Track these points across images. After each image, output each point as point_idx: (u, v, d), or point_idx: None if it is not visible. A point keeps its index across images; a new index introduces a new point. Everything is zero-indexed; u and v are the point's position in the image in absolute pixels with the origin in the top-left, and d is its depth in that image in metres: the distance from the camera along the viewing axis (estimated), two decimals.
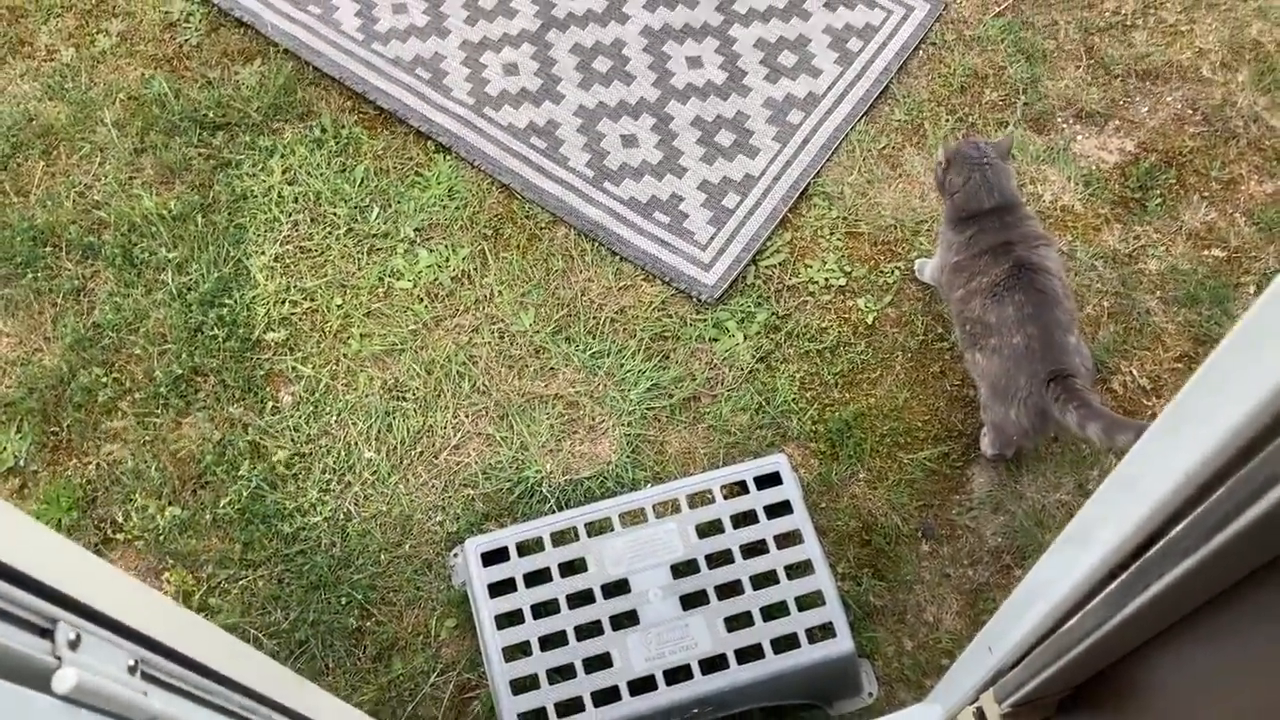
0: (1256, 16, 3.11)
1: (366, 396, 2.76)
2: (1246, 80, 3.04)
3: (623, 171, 3.02)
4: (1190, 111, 3.03)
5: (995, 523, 2.61)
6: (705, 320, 2.84)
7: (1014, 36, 3.13)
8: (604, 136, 3.06)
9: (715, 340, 2.82)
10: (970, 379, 2.63)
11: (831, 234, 2.93)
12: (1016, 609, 1.59)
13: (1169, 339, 2.77)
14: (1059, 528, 2.58)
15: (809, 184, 2.99)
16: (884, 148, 3.02)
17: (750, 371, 2.78)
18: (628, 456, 2.68)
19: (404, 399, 2.76)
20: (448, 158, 3.04)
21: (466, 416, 2.74)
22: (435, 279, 2.90)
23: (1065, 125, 3.03)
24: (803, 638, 2.21)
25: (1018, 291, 2.36)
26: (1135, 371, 2.74)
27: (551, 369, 2.80)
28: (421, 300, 2.87)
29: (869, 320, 2.82)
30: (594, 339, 2.82)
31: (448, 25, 3.20)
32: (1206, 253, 2.86)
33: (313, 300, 2.87)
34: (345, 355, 2.81)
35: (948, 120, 3.04)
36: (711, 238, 2.93)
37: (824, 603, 2.26)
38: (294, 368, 2.79)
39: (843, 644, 2.21)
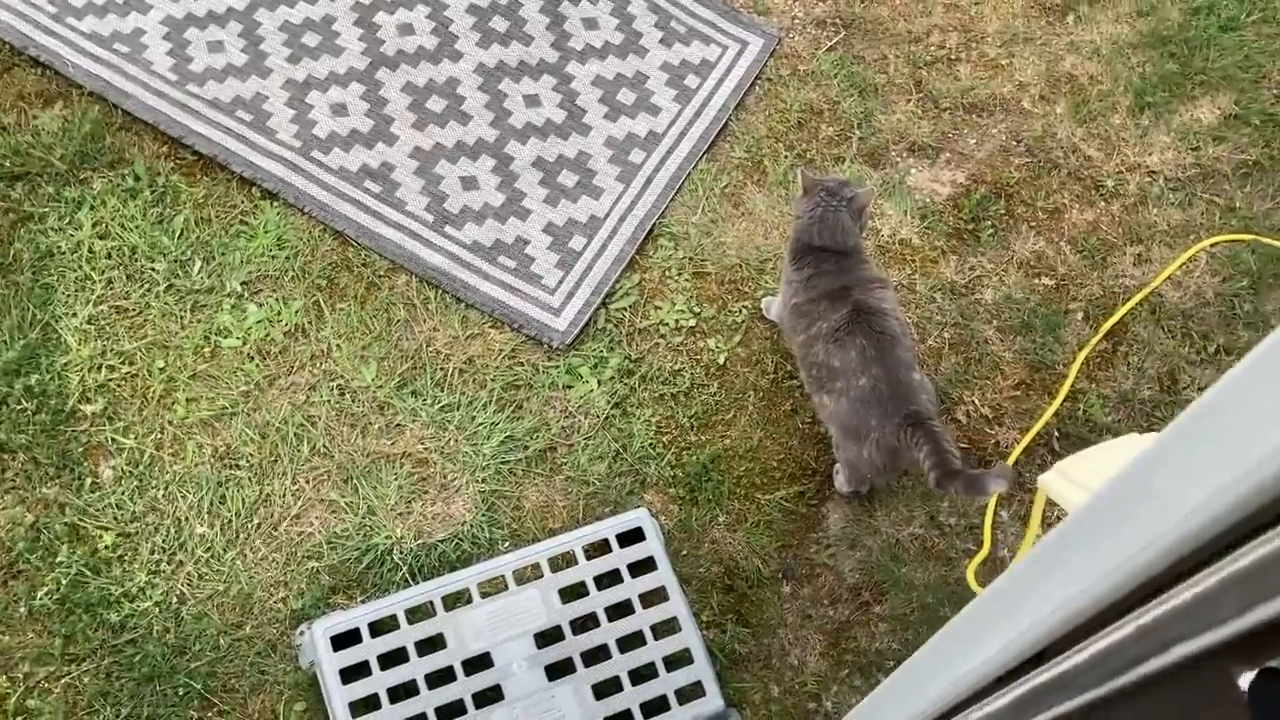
0: (1069, 51, 3.26)
1: (196, 466, 2.58)
2: (1064, 112, 3.17)
3: (464, 215, 2.92)
4: (1015, 143, 3.14)
5: (853, 559, 2.63)
6: (558, 367, 2.77)
7: (846, 71, 3.18)
8: (442, 179, 2.95)
9: (569, 387, 2.75)
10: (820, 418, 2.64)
11: (679, 274, 2.91)
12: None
13: (1007, 367, 2.85)
14: (914, 561, 2.64)
15: (654, 224, 2.96)
16: (726, 186, 3.02)
17: (606, 418, 2.72)
18: (483, 515, 2.59)
19: (238, 467, 2.59)
20: (275, 205, 2.88)
21: (307, 482, 2.59)
22: (266, 335, 2.73)
23: (899, 158, 3.10)
24: (673, 699, 2.17)
25: (858, 335, 2.38)
26: (977, 400, 2.81)
27: (398, 425, 2.67)
28: (252, 359, 2.70)
29: (720, 361, 2.81)
30: (442, 391, 2.71)
31: (269, 64, 3.03)
32: (1037, 281, 2.96)
33: (132, 364, 2.66)
34: (171, 422, 2.61)
35: (786, 156, 3.06)
36: (560, 281, 2.87)
37: (692, 660, 2.22)
38: (114, 439, 2.58)
39: (713, 702, 2.18)
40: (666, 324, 2.84)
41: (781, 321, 2.69)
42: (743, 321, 2.85)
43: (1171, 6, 3.30)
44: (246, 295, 2.77)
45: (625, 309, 2.85)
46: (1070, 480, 1.99)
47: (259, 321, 2.74)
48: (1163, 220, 3.04)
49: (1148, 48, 3.25)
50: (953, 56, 3.24)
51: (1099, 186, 3.08)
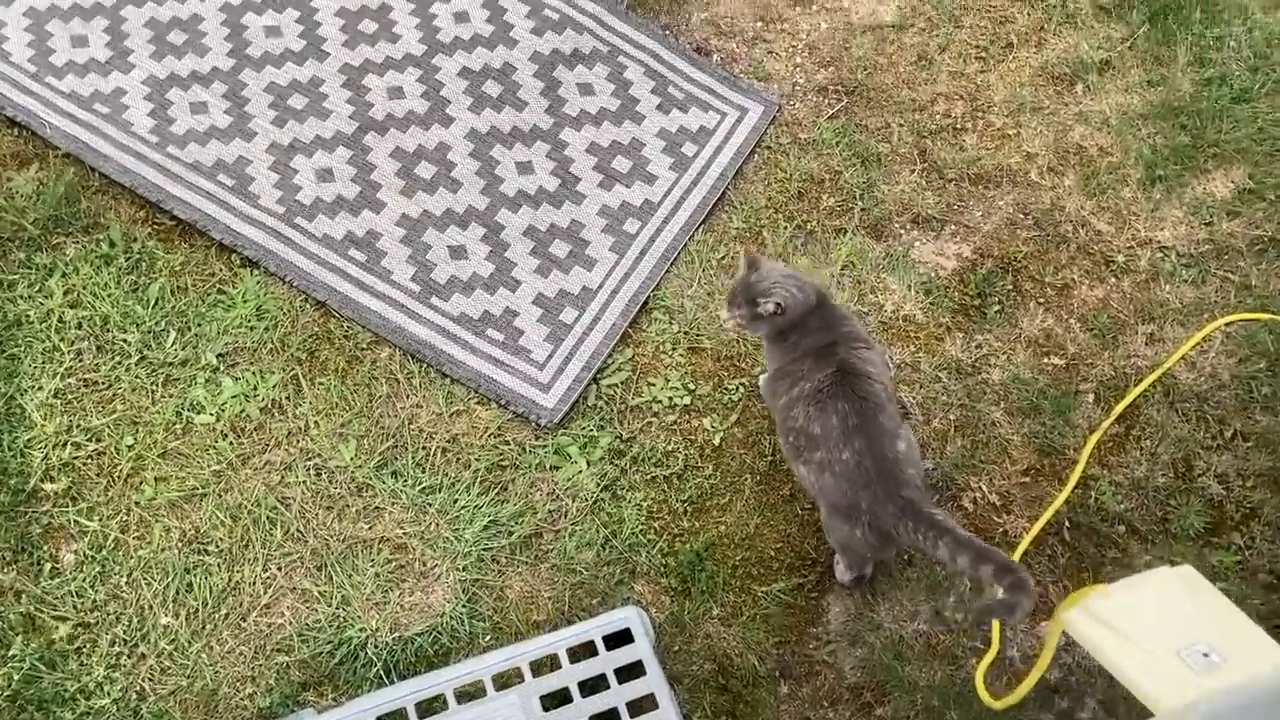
0: (1078, 121, 3.16)
1: (163, 551, 2.45)
2: (1073, 184, 3.08)
3: (451, 285, 2.81)
4: (1022, 215, 3.04)
5: (854, 656, 2.50)
6: (545, 446, 2.65)
7: (848, 140, 3.09)
8: (430, 248, 2.85)
9: (557, 468, 2.63)
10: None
11: (674, 350, 2.79)
12: None
13: (1015, 451, 2.73)
14: (918, 659, 2.49)
15: (649, 297, 2.85)
16: (723, 258, 2.91)
17: (595, 501, 2.60)
18: (464, 606, 2.45)
19: (206, 552, 2.46)
20: (255, 273, 2.77)
21: (279, 569, 2.46)
22: (241, 411, 2.61)
23: (903, 231, 3.00)
24: None
25: (840, 399, 2.26)
26: (985, 487, 2.69)
27: (376, 509, 2.55)
28: (226, 436, 2.58)
29: (716, 441, 2.69)
30: (424, 472, 2.59)
31: (253, 126, 2.94)
32: (1046, 360, 2.85)
33: (99, 441, 2.54)
34: (138, 504, 2.49)
35: (786, 227, 2.96)
36: (549, 356, 2.75)
37: None
38: (77, 521, 2.45)
39: None
40: (660, 402, 2.72)
41: (766, 388, 2.56)
42: (739, 400, 2.73)
43: (1182, 77, 3.21)
44: (222, 368, 2.66)
45: (617, 385, 2.74)
46: (1098, 621, 1.85)
47: (234, 396, 2.63)
48: (1175, 298, 2.93)
49: (1158, 119, 3.16)
50: (958, 126, 3.15)
51: (1109, 262, 2.98)
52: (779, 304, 2.31)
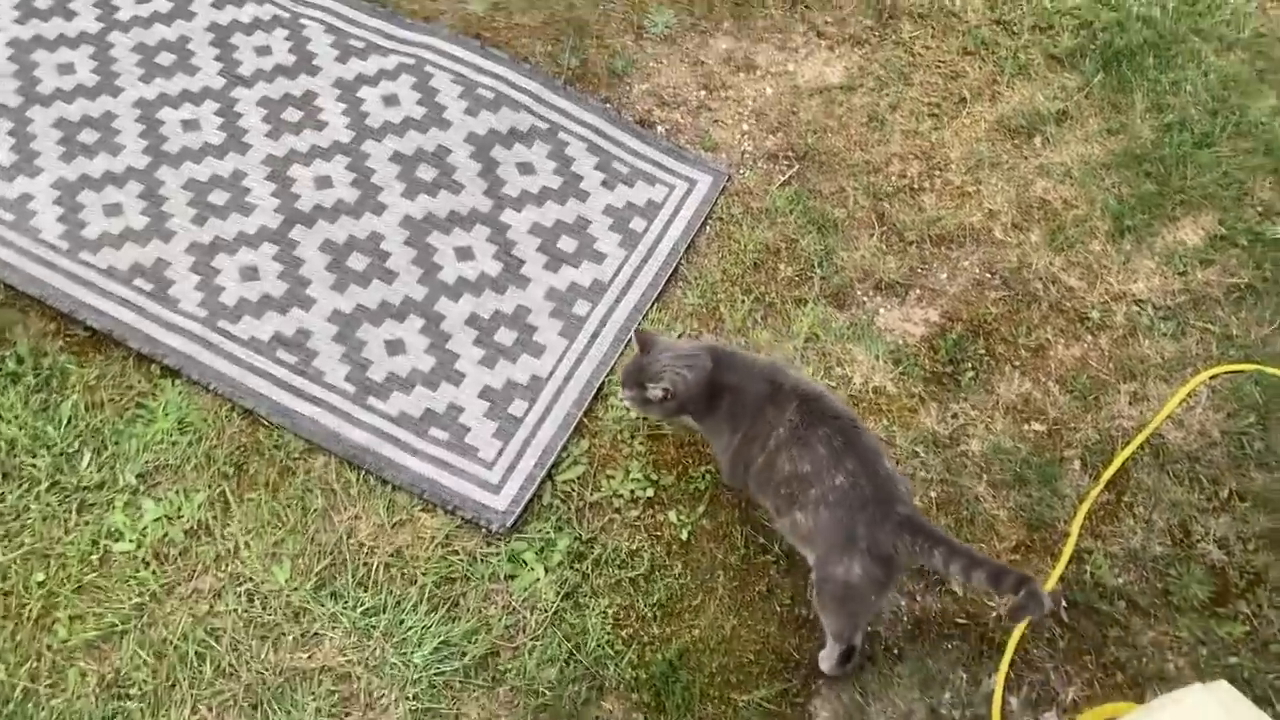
0: (1039, 174, 3.05)
1: (79, 699, 2.21)
2: (1039, 240, 2.95)
3: (390, 383, 2.62)
4: (989, 275, 2.90)
5: None
6: (499, 554, 2.44)
7: (803, 206, 2.95)
8: (365, 344, 2.66)
9: (512, 577, 2.42)
10: (797, 555, 2.33)
11: (633, 438, 2.61)
12: None
13: (1003, 527, 2.56)
14: None
15: (603, 382, 2.67)
16: (680, 335, 2.75)
17: (556, 612, 2.39)
18: None
19: (128, 696, 2.22)
20: (177, 383, 2.57)
21: (209, 709, 2.23)
22: (165, 535, 2.39)
23: (866, 298, 2.85)
24: None
25: (818, 425, 2.18)
26: None
27: (315, 635, 2.32)
28: (148, 564, 2.36)
29: (683, 536, 2.49)
30: (366, 591, 2.37)
31: (172, 226, 2.76)
32: (1027, 427, 2.69)
33: (5, 580, 2.31)
34: (50, 647, 2.25)
35: (744, 300, 2.80)
36: (499, 453, 2.56)
37: None
38: None
39: None
40: (621, 496, 2.53)
41: (729, 472, 2.39)
42: (706, 489, 2.55)
43: (1142, 124, 3.12)
44: (143, 489, 2.44)
45: (573, 481, 2.54)
46: None
47: (156, 520, 2.41)
48: (1155, 353, 2.79)
49: (1121, 168, 3.05)
50: (915, 186, 3.03)
51: (1084, 319, 2.84)
52: (666, 390, 2.24)
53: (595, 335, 2.73)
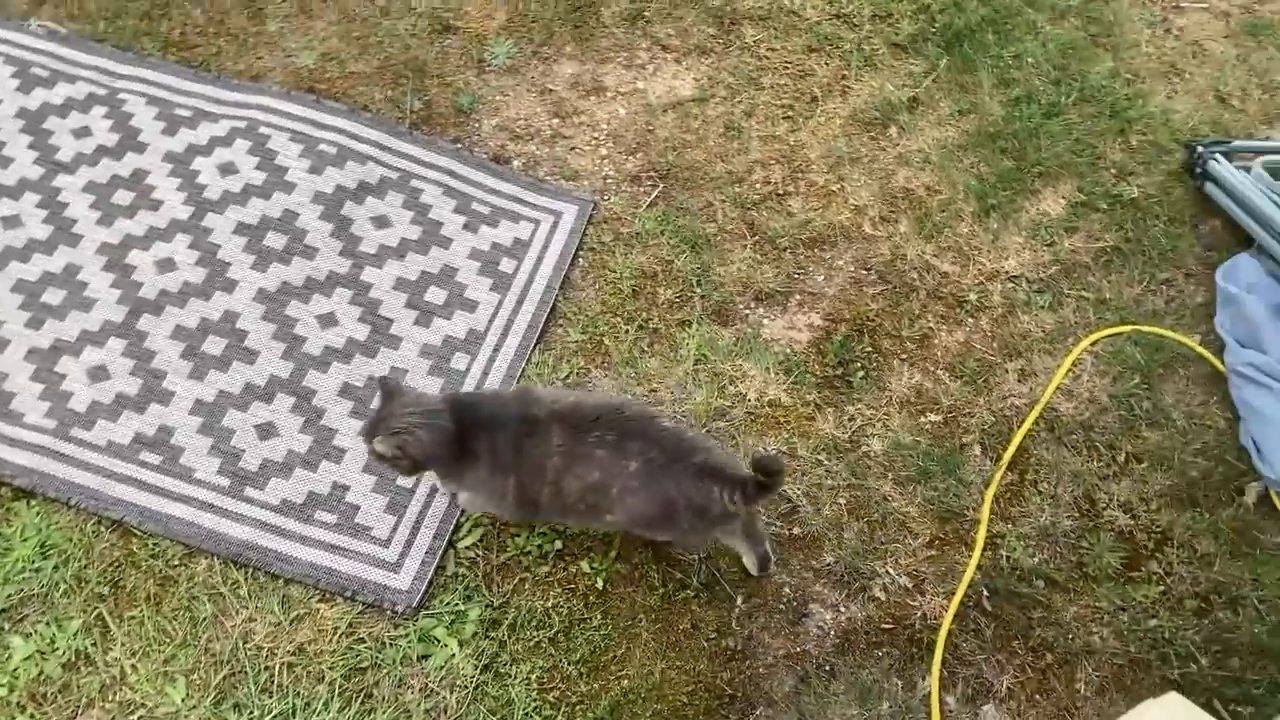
0: (899, 164, 3.05)
1: None
2: (908, 230, 2.95)
3: (266, 470, 2.46)
4: (865, 272, 2.89)
5: None
6: (408, 635, 2.32)
7: (673, 226, 2.89)
8: (234, 432, 2.50)
9: (425, 657, 2.30)
10: (716, 586, 2.26)
11: None
12: None
13: (915, 524, 2.54)
14: None
15: None
16: (568, 376, 2.65)
17: (477, 687, 2.27)
18: None
19: None
20: (33, 504, 2.37)
21: None
22: (39, 673, 2.20)
23: (748, 310, 2.80)
24: None
25: (586, 434, 2.11)
26: (892, 570, 2.48)
27: None
28: (24, 709, 2.17)
29: (599, 585, 2.40)
30: (272, 697, 2.22)
31: (5, 334, 2.55)
32: (923, 419, 2.68)
33: None
34: None
35: (627, 330, 2.72)
36: (393, 529, 2.43)
37: None
38: None
39: None
40: (528, 553, 2.43)
41: (514, 513, 2.29)
42: (616, 532, 2.46)
43: (991, 101, 3.15)
44: (8, 627, 2.24)
45: (476, 545, 2.43)
46: None
47: (28, 658, 2.21)
48: (1036, 327, 2.81)
49: (978, 147, 3.07)
50: (780, 191, 3.00)
51: (962, 303, 2.85)
52: (398, 451, 2.09)
53: (479, 387, 2.62)
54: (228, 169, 2.82)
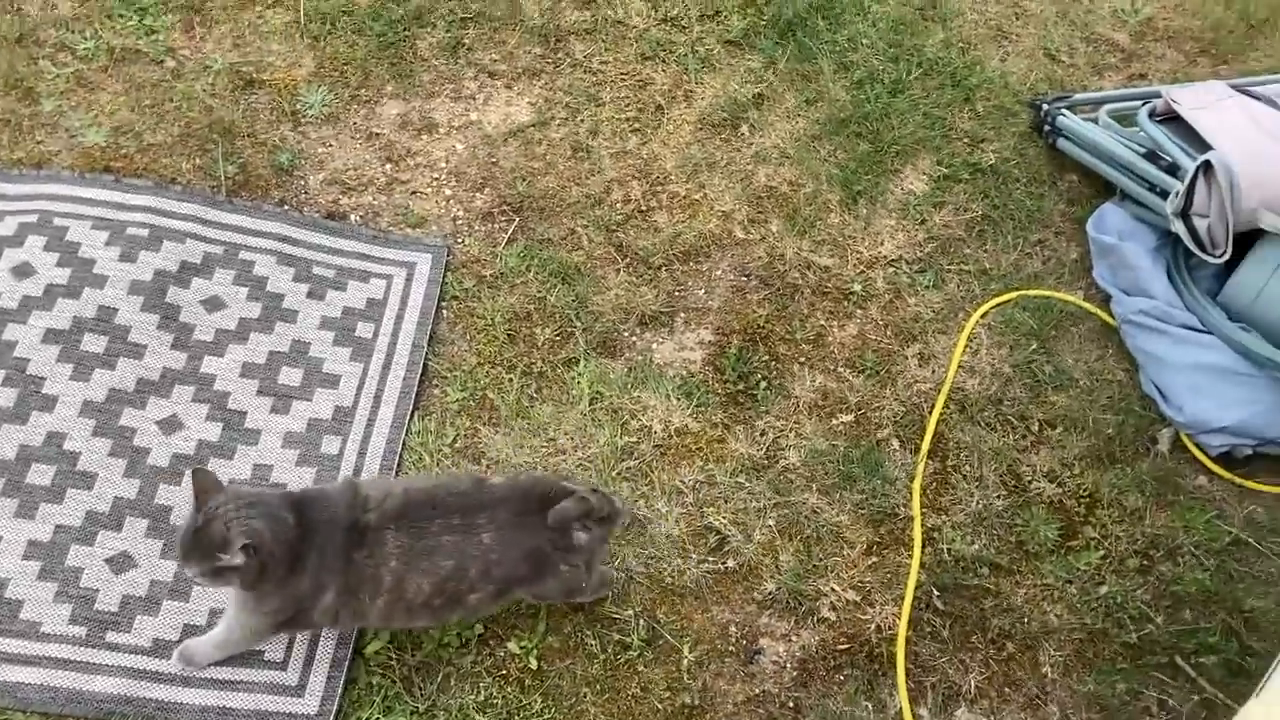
0: (757, 163, 2.93)
1: None
2: (780, 228, 2.83)
3: (128, 608, 2.12)
4: (745, 279, 2.75)
5: None
6: None
7: (538, 260, 2.69)
8: (81, 571, 2.15)
9: None
10: (658, 640, 2.06)
11: None
12: None
13: (849, 533, 2.40)
14: None
15: None
16: (455, 440, 2.41)
17: None
18: None
19: None
20: None
21: None
22: None
23: (635, 338, 2.62)
24: None
25: (428, 525, 1.91)
26: (837, 587, 2.33)
27: None
28: None
29: (533, 665, 2.17)
30: None
31: None
32: (835, 421, 2.55)
33: None
34: None
35: (511, 379, 2.50)
36: (288, 647, 2.13)
37: None
38: None
39: None
40: (447, 645, 2.17)
41: (333, 625, 2.04)
42: (541, 605, 2.23)
43: (835, 87, 3.07)
44: None
45: (387, 648, 2.15)
46: None
47: None
48: (925, 308, 2.74)
49: (831, 135, 2.99)
50: (643, 208, 2.83)
51: (848, 295, 2.74)
52: (250, 546, 1.78)
53: (356, 469, 2.35)
54: (23, 271, 2.45)
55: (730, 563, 2.33)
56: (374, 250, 2.65)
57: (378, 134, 2.86)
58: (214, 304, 2.50)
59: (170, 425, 2.33)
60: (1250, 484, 2.53)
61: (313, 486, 2.19)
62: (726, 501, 2.40)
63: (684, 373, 2.57)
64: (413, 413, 2.43)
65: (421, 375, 2.48)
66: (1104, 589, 2.37)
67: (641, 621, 2.23)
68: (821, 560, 2.36)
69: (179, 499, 2.24)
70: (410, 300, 2.59)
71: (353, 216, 2.72)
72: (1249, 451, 2.51)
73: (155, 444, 2.30)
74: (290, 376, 2.44)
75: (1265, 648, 2.29)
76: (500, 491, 1.99)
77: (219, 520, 1.80)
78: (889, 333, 2.69)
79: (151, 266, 2.50)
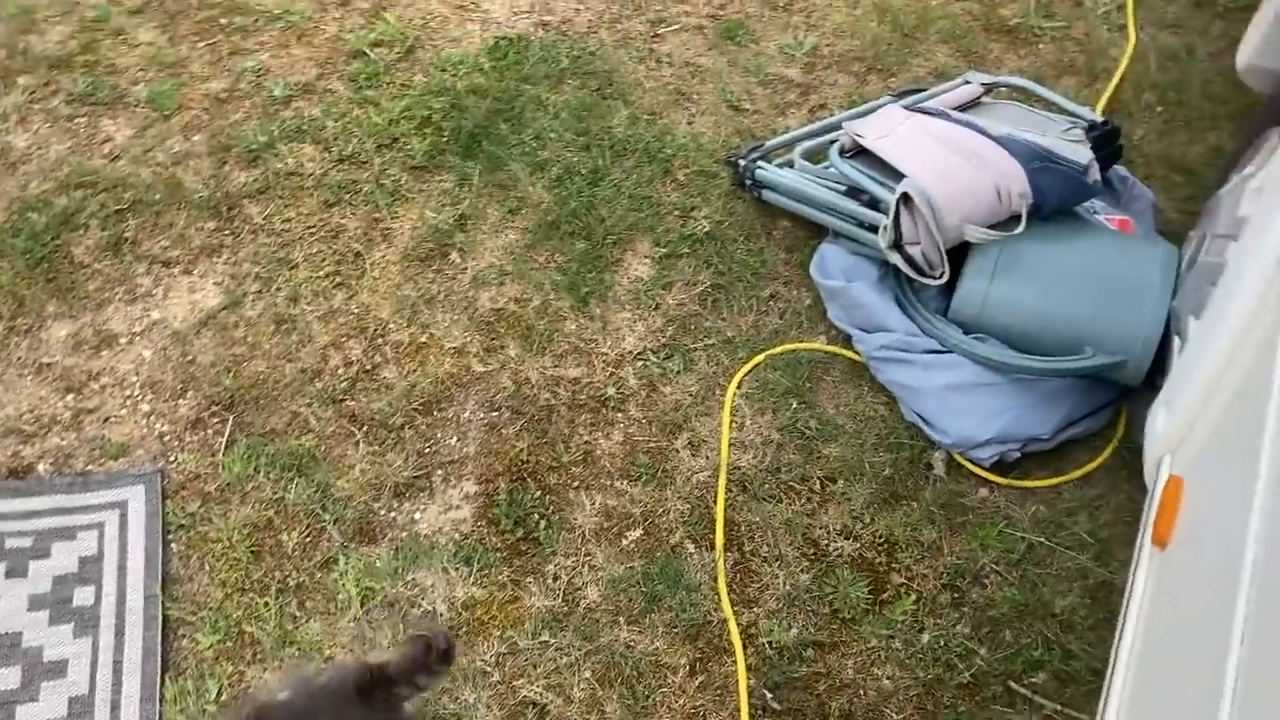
0: (477, 287, 2.79)
1: None
2: (518, 352, 2.69)
3: None
4: (495, 413, 2.59)
5: None
6: None
7: (265, 458, 2.44)
8: None
9: None
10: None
11: None
12: None
13: (668, 658, 2.28)
14: None
15: None
16: (219, 693, 2.14)
17: None
18: None
19: None
20: None
21: None
22: None
23: (393, 513, 2.42)
24: None
25: None
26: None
27: None
28: None
29: None
30: None
31: None
32: (624, 540, 2.43)
33: None
34: None
35: (267, 603, 2.24)
36: None
37: None
38: None
39: None
40: None
41: None
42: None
43: (535, 189, 2.97)
44: None
45: None
46: None
47: None
48: (682, 394, 2.66)
49: (544, 241, 2.88)
50: (368, 367, 2.63)
51: (605, 401, 2.63)
52: None
53: None
54: None
55: None
56: (74, 500, 2.33)
57: (49, 364, 2.53)
58: None
59: None
60: (1027, 483, 2.57)
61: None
62: (536, 667, 2.23)
63: (456, 536, 2.39)
64: (163, 676, 2.13)
65: (163, 629, 2.19)
66: (925, 636, 2.34)
67: None
68: (648, 698, 2.22)
69: None
70: (130, 545, 2.29)
71: (40, 467, 2.39)
72: (1017, 454, 2.56)
73: None
74: (6, 680, 2.09)
75: (1082, 647, 2.32)
76: (310, 691, 1.77)
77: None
78: (654, 429, 2.60)
79: None
